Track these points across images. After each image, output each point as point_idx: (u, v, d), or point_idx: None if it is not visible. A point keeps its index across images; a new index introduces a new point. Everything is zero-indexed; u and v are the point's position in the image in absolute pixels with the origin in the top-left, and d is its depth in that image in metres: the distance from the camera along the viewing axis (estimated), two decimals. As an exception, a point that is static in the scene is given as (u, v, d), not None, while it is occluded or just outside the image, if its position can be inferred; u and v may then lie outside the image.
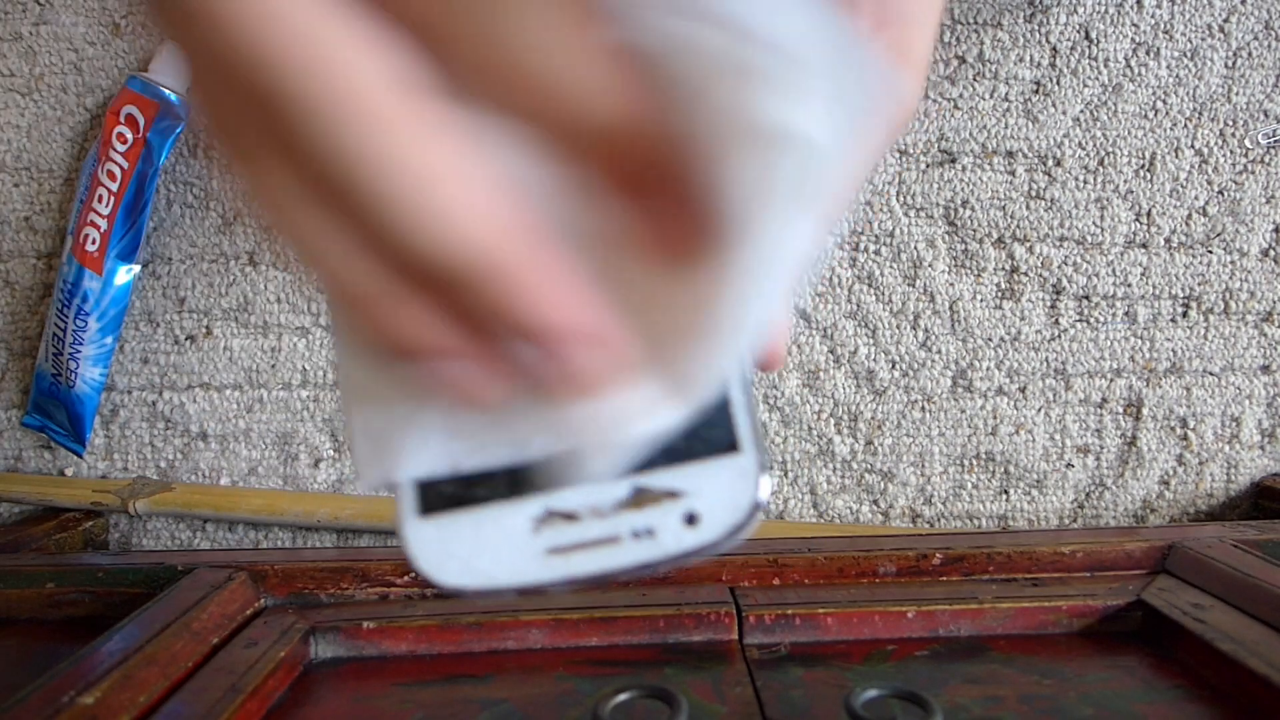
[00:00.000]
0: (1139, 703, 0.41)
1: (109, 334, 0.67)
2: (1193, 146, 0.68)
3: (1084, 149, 0.68)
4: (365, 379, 0.21)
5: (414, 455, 0.21)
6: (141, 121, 0.64)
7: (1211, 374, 0.69)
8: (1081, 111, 0.68)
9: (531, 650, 0.47)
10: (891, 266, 0.69)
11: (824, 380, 0.70)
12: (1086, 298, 0.69)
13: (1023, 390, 0.70)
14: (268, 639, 0.45)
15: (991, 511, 0.71)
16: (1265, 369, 0.69)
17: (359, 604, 0.51)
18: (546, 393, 0.20)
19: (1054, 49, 0.68)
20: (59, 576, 0.53)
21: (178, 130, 0.65)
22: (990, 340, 0.70)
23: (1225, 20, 0.67)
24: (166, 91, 0.64)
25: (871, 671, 0.44)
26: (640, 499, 0.21)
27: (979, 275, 0.69)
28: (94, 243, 0.65)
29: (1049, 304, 0.69)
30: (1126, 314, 0.69)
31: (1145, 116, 0.68)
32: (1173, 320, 0.69)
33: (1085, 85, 0.68)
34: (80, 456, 0.71)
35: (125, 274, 0.66)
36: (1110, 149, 0.68)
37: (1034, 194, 0.69)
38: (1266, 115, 0.68)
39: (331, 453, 0.71)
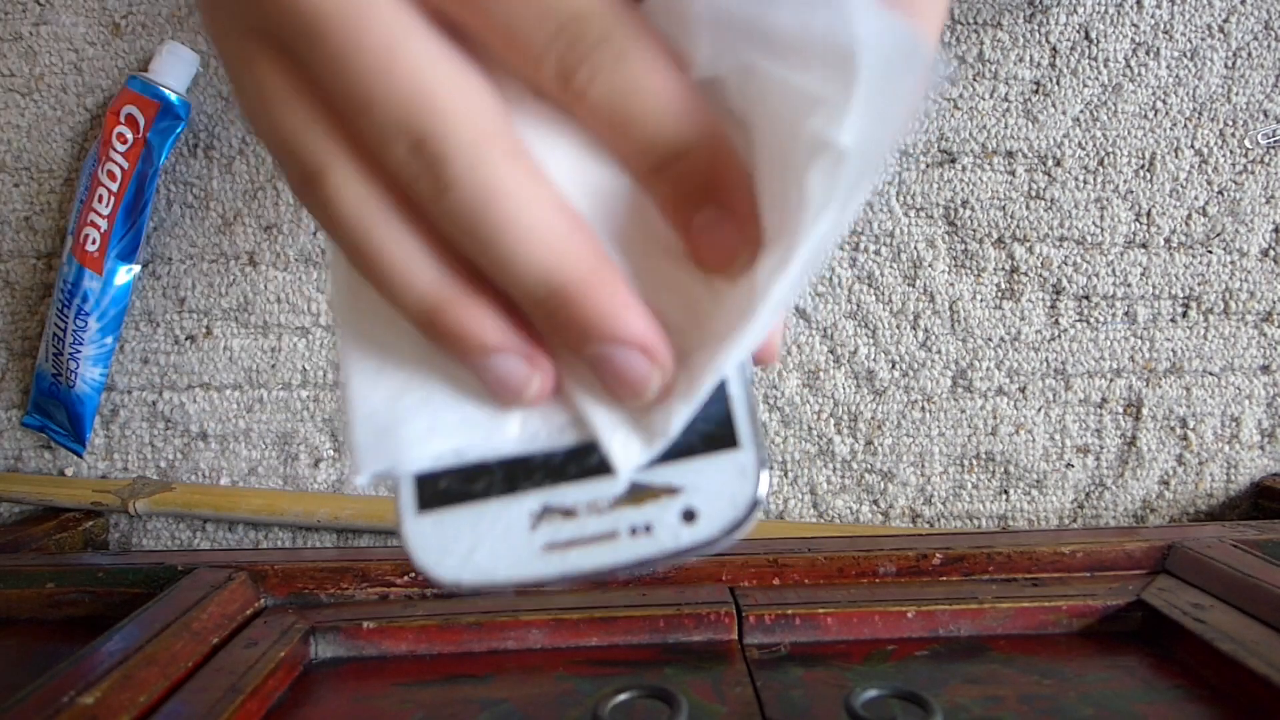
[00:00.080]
0: (1139, 703, 0.41)
1: (109, 334, 0.67)
2: (1193, 146, 0.68)
3: (1084, 149, 0.68)
4: (372, 368, 0.21)
5: (417, 445, 0.21)
6: (141, 121, 0.64)
7: (1211, 374, 0.69)
8: (1081, 111, 0.68)
9: (531, 650, 0.47)
10: (891, 266, 0.69)
11: (824, 380, 0.70)
12: (1086, 298, 0.69)
13: (1023, 390, 0.70)
14: (268, 639, 0.45)
15: (991, 511, 0.71)
16: (1265, 369, 0.69)
17: (359, 604, 0.51)
18: (586, 392, 0.21)
19: (1054, 49, 0.68)
20: (59, 576, 0.53)
21: (178, 130, 0.65)
22: (990, 340, 0.70)
23: (1225, 20, 0.67)
24: (166, 91, 0.64)
25: (871, 671, 0.44)
26: (638, 495, 0.21)
27: (979, 275, 0.69)
28: (94, 243, 0.65)
29: (1049, 304, 0.69)
30: (1126, 314, 0.69)
31: (1145, 116, 0.68)
32: (1172, 320, 0.69)
33: (1085, 85, 0.68)
34: (80, 456, 0.71)
35: (125, 274, 0.66)
36: (1110, 149, 0.68)
37: (1034, 194, 0.69)
38: (1266, 115, 0.68)
39: (331, 453, 0.71)
